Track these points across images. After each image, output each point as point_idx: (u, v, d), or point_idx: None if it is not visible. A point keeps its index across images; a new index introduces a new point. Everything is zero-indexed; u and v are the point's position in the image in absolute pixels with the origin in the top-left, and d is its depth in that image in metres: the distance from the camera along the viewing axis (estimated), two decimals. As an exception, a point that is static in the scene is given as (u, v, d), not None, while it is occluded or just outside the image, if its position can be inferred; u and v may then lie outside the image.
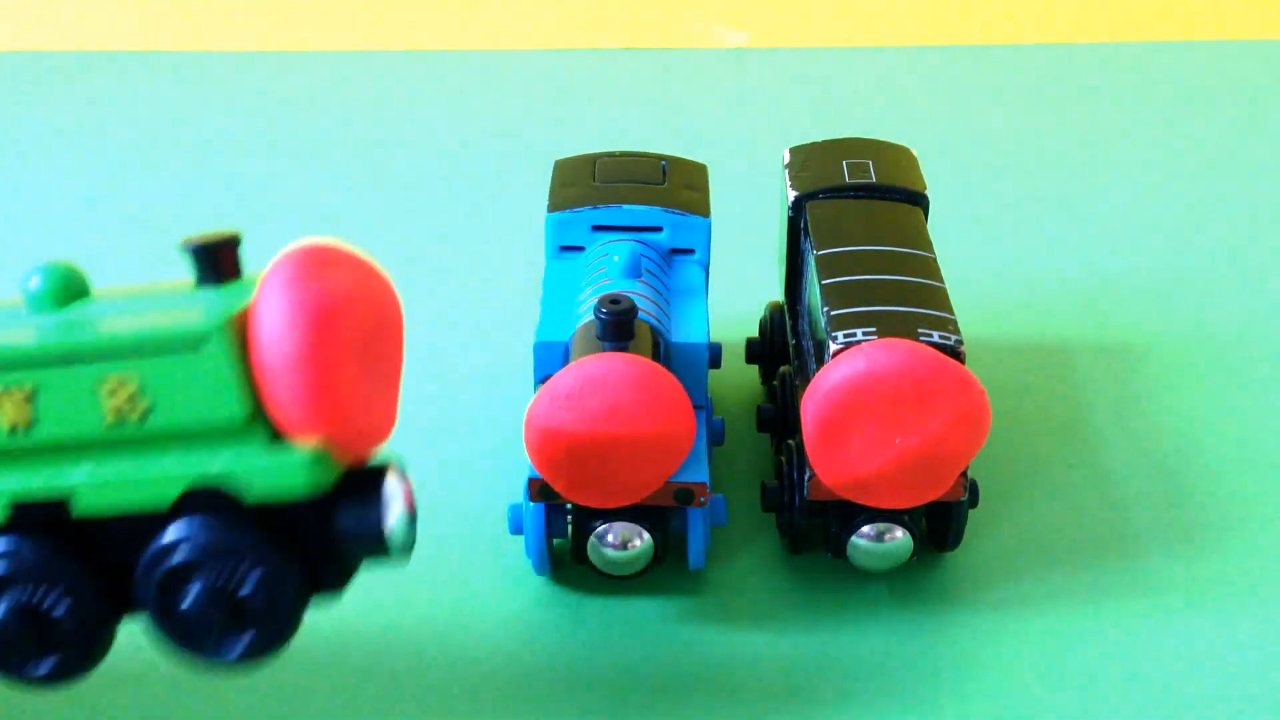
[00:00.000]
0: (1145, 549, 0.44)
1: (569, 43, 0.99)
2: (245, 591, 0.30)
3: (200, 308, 0.30)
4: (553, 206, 0.47)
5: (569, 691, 0.38)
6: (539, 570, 0.42)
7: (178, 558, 0.30)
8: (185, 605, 0.30)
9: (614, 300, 0.40)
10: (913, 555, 0.41)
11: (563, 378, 0.38)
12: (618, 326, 0.39)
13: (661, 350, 0.42)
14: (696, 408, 0.43)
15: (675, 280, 0.46)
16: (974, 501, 0.41)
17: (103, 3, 1.01)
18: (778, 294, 0.51)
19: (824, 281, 0.42)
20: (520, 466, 0.45)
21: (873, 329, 0.39)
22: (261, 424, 0.30)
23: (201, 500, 0.30)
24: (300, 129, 0.82)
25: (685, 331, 0.43)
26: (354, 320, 0.29)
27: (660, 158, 0.50)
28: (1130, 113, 0.84)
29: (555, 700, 0.38)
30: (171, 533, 0.30)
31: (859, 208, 0.46)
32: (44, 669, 0.31)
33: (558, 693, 0.38)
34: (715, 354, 0.48)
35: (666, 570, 0.42)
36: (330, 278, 0.29)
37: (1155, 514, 0.46)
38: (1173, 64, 0.93)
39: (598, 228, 0.47)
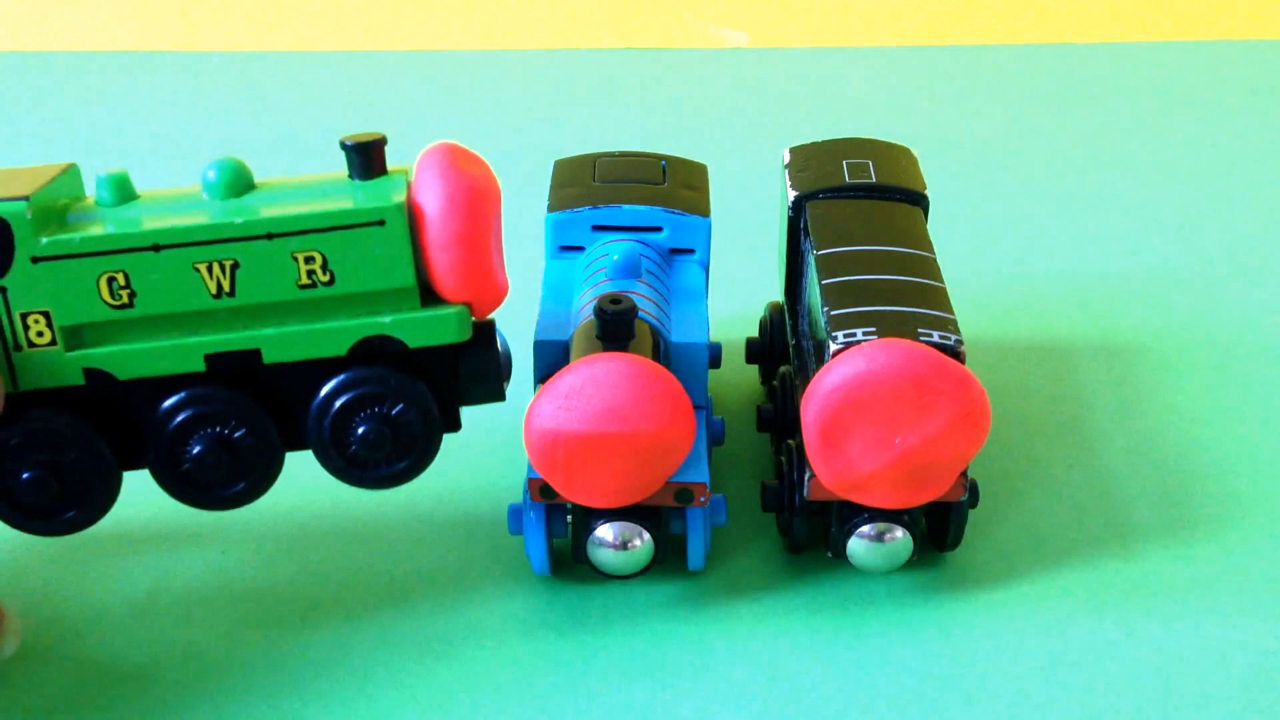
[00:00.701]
0: (1145, 548, 0.44)
1: (569, 43, 0.99)
2: (407, 422, 0.37)
3: (367, 194, 0.35)
4: (553, 206, 0.47)
5: (569, 691, 0.39)
6: (539, 570, 0.42)
7: (358, 392, 0.37)
8: (360, 432, 0.37)
9: (614, 300, 0.40)
10: (913, 555, 0.41)
11: (563, 377, 0.38)
12: (618, 326, 0.39)
13: (661, 350, 0.42)
14: (696, 408, 0.43)
15: (675, 280, 0.46)
16: (974, 501, 0.41)
17: (103, 3, 1.01)
18: (778, 294, 0.51)
19: (824, 281, 0.42)
20: (520, 466, 0.45)
21: (873, 329, 0.39)
22: (417, 287, 0.36)
23: (364, 353, 0.36)
24: (300, 129, 0.82)
25: (685, 331, 0.43)
26: (494, 203, 0.36)
27: (660, 158, 0.50)
28: (1130, 113, 0.84)
29: (555, 700, 0.38)
30: (347, 375, 0.37)
31: (859, 208, 0.46)
32: (235, 490, 0.38)
33: (558, 692, 0.38)
34: (715, 354, 0.48)
35: (666, 570, 0.42)
36: (473, 168, 0.36)
37: (1155, 513, 0.46)
38: (1173, 64, 0.93)
39: (598, 228, 0.47)
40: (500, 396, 0.38)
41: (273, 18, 1.01)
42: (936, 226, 0.47)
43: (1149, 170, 0.75)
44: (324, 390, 0.37)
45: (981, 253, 0.65)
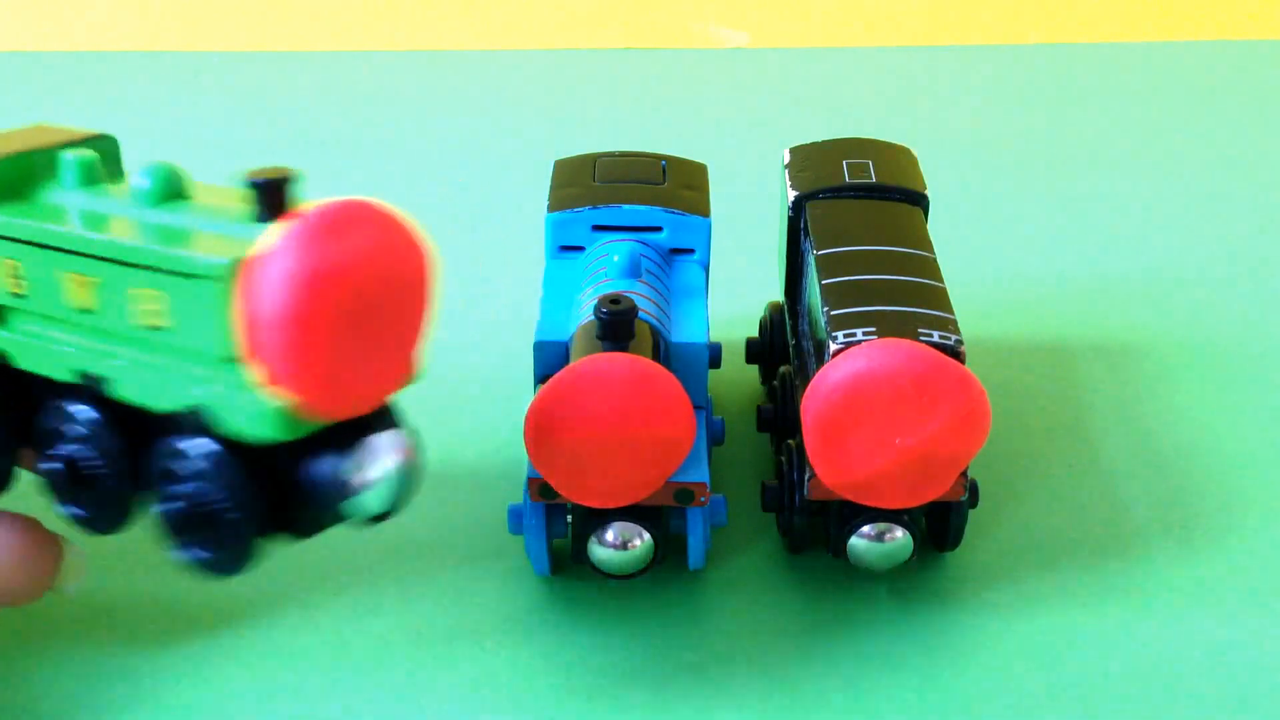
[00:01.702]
0: (1145, 549, 0.44)
1: (569, 43, 0.99)
2: (214, 513, 0.32)
3: (221, 242, 0.31)
4: (553, 206, 0.47)
5: (569, 691, 0.39)
6: (539, 570, 0.42)
7: (166, 464, 0.32)
8: (161, 509, 0.33)
9: (614, 300, 0.40)
10: (913, 555, 0.41)
11: (563, 377, 0.38)
12: (618, 326, 0.39)
13: (661, 350, 0.42)
14: (696, 408, 0.43)
15: (675, 280, 0.46)
16: (974, 501, 0.41)
17: (103, 3, 1.01)
18: (778, 294, 0.51)
19: (824, 281, 0.42)
20: (520, 466, 0.45)
21: (873, 329, 0.39)
22: (238, 363, 0.30)
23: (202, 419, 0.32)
24: (300, 129, 0.82)
25: (685, 331, 0.43)
26: (353, 287, 0.29)
27: (660, 158, 0.50)
28: (1130, 113, 0.84)
29: (555, 700, 0.38)
30: (167, 440, 0.32)
31: (859, 208, 0.46)
32: (78, 512, 0.35)
33: (558, 692, 0.38)
34: (715, 354, 0.48)
35: (666, 570, 0.42)
36: (338, 243, 0.29)
37: (1155, 514, 0.46)
38: (1173, 64, 0.93)
39: (598, 228, 0.47)
40: (337, 520, 0.33)
41: (273, 18, 1.01)
42: (936, 226, 0.47)
43: (1149, 170, 0.75)
44: (156, 448, 0.33)
45: (981, 253, 0.65)
